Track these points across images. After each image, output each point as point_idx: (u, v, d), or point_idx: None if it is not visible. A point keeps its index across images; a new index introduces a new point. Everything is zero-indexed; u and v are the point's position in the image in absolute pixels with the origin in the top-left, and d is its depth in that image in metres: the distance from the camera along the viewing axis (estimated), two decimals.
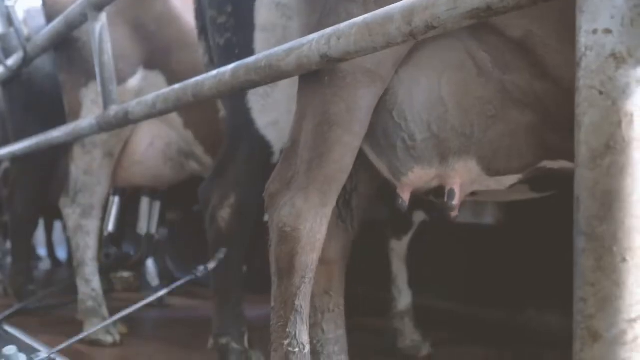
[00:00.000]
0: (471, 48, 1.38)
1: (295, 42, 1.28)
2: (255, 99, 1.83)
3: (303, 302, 1.32)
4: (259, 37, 1.76)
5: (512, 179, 1.52)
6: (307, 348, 1.30)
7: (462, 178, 1.50)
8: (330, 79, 1.33)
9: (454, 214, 1.54)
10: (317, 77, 1.35)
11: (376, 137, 1.46)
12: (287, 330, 1.30)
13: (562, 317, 2.48)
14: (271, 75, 1.36)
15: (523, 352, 2.31)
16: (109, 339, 2.44)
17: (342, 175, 1.38)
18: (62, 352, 2.06)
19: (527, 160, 1.44)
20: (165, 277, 3.81)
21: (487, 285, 2.70)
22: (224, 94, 1.57)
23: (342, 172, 1.37)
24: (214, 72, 1.54)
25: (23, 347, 2.43)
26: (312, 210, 1.35)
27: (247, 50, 1.78)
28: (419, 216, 2.40)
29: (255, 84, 1.44)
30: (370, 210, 2.03)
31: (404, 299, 2.35)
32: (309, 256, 1.34)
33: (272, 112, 1.84)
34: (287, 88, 1.74)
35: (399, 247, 2.39)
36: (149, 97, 1.86)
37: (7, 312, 2.69)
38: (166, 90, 1.78)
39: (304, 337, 1.30)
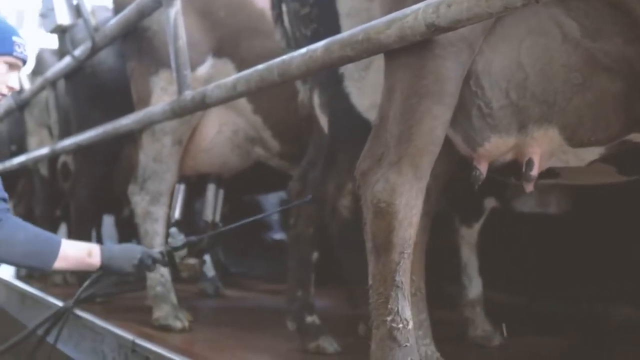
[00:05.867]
0: (557, 15, 1.33)
1: (398, 12, 1.26)
2: (352, 84, 1.79)
3: (403, 278, 1.29)
4: (345, 24, 1.74)
5: (594, 152, 1.46)
6: (411, 324, 1.27)
7: (542, 147, 1.45)
8: (418, 52, 1.31)
9: (529, 188, 1.49)
10: (404, 52, 1.32)
11: None
12: (389, 306, 1.27)
13: (634, 309, 2.40)
14: (368, 49, 1.34)
15: (594, 344, 2.24)
16: (178, 324, 2.46)
17: (434, 148, 1.35)
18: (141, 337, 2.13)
19: (614, 131, 1.37)
20: (217, 269, 3.83)
21: (558, 278, 2.63)
22: (313, 72, 1.56)
23: (434, 145, 1.34)
24: (303, 50, 1.52)
25: (97, 332, 2.48)
26: (407, 184, 1.32)
27: None
28: (489, 202, 2.35)
29: (349, 60, 1.43)
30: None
31: (474, 287, 2.29)
32: (407, 231, 1.32)
33: (370, 95, 1.78)
34: (381, 69, 1.73)
35: (469, 235, 2.34)
36: (229, 79, 1.87)
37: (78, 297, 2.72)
38: (248, 71, 1.77)
39: (407, 313, 1.28)
